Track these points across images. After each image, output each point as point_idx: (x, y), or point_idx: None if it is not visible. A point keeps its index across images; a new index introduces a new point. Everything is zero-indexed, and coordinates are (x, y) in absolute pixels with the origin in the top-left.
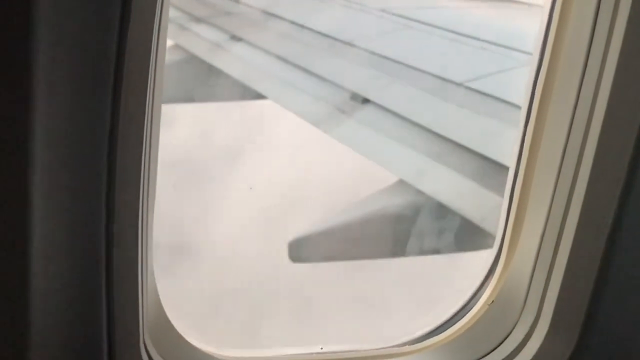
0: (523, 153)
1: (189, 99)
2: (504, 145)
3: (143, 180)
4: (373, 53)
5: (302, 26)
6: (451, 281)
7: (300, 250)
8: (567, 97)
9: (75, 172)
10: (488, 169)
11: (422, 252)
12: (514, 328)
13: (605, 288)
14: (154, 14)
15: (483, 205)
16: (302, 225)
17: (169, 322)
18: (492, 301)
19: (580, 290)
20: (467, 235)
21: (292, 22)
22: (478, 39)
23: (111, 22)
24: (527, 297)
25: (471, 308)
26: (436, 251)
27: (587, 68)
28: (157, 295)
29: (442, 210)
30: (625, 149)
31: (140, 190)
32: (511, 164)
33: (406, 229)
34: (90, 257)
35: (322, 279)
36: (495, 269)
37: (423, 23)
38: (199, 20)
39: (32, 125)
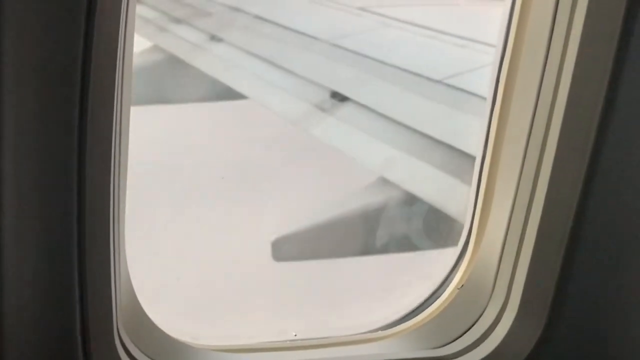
0: (489, 142)
1: (167, 100)
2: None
3: (114, 174)
4: (353, 51)
5: (282, 26)
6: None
7: (284, 249)
8: (529, 86)
9: (45, 165)
10: (467, 164)
11: (402, 247)
12: (483, 312)
13: (571, 270)
14: (120, 12)
15: (462, 200)
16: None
17: (142, 311)
18: (462, 285)
19: (547, 273)
20: (446, 231)
21: (272, 22)
22: (457, 36)
23: (77, 19)
24: (495, 281)
25: (442, 293)
26: (416, 247)
27: (549, 57)
28: (131, 285)
29: (422, 206)
30: (587, 135)
31: (112, 180)
32: (477, 152)
33: (387, 225)
34: (61, 248)
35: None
36: (464, 255)
37: (402, 21)
38: (178, 20)
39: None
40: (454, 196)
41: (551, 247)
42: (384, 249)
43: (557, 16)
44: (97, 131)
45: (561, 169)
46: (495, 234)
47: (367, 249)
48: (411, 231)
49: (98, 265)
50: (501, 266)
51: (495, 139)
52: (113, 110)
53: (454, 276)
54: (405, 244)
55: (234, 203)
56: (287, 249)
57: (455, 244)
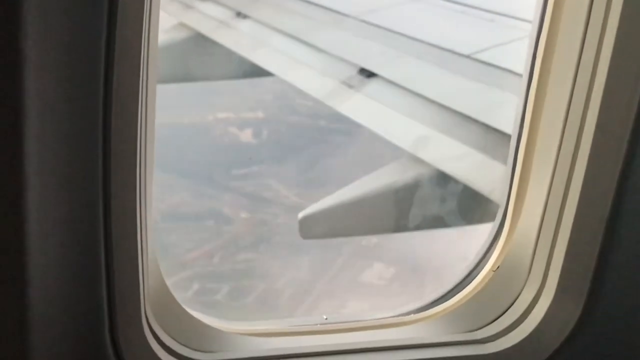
0: (525, 121)
1: (192, 77)
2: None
3: (140, 153)
4: (379, 27)
5: (307, 1)
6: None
7: (311, 226)
8: (567, 63)
9: (70, 146)
10: (497, 141)
11: (433, 225)
12: (520, 294)
13: (611, 252)
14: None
15: (492, 176)
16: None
17: (171, 295)
18: (498, 267)
19: (586, 255)
20: (477, 207)
21: None
22: (486, 10)
23: (100, 10)
24: (532, 262)
25: (477, 275)
26: (446, 224)
27: (588, 33)
28: (158, 268)
29: (451, 183)
30: (628, 109)
31: (138, 163)
32: (513, 132)
33: (416, 202)
34: (88, 231)
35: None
36: (500, 236)
37: None
38: None
39: (25, 123)
40: (483, 173)
41: (589, 229)
42: (414, 227)
43: None
44: (122, 127)
45: (600, 149)
46: (532, 215)
47: (396, 227)
48: (441, 208)
49: (125, 248)
50: (538, 248)
51: (531, 119)
52: (138, 95)
53: (489, 258)
54: (435, 221)
55: (261, 178)
56: (314, 226)
57: (486, 221)
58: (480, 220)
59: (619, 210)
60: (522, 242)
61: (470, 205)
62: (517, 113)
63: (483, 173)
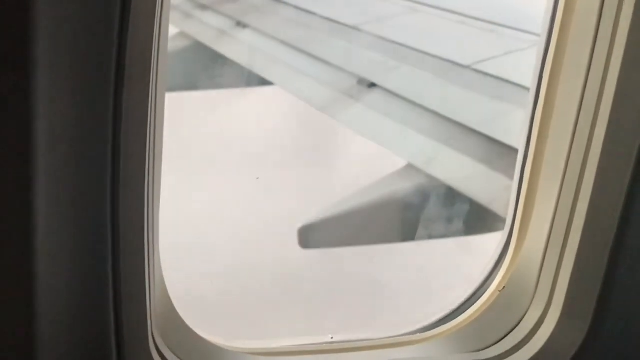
0: (532, 137)
1: (192, 86)
2: (512, 128)
3: (148, 175)
4: (379, 37)
5: (307, 11)
6: (461, 265)
7: (310, 237)
8: (576, 78)
9: (79, 168)
10: (496, 152)
11: (432, 236)
12: (525, 314)
13: (617, 273)
14: (154, 9)
15: (492, 187)
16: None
17: (177, 315)
18: (503, 287)
19: (592, 276)
20: (477, 218)
21: (297, 8)
22: (486, 21)
23: (112, 17)
24: (538, 283)
25: (482, 295)
26: (446, 235)
27: (596, 47)
28: (165, 289)
29: (451, 194)
30: (636, 127)
31: (146, 184)
32: (520, 147)
33: (416, 213)
34: (96, 253)
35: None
36: (505, 255)
37: (429, 6)
38: (204, 7)
39: (34, 126)
40: (482, 183)
41: (596, 249)
42: (412, 236)
43: (605, 3)
44: (131, 138)
45: (607, 169)
46: (538, 235)
47: (395, 237)
48: (441, 219)
49: (132, 268)
50: (544, 268)
51: (538, 136)
52: (147, 117)
53: (495, 277)
54: (433, 231)
55: (261, 189)
56: (314, 236)
57: (485, 232)
58: (480, 230)
59: (626, 231)
60: (528, 262)
61: (470, 216)
62: (523, 130)
63: (483, 184)
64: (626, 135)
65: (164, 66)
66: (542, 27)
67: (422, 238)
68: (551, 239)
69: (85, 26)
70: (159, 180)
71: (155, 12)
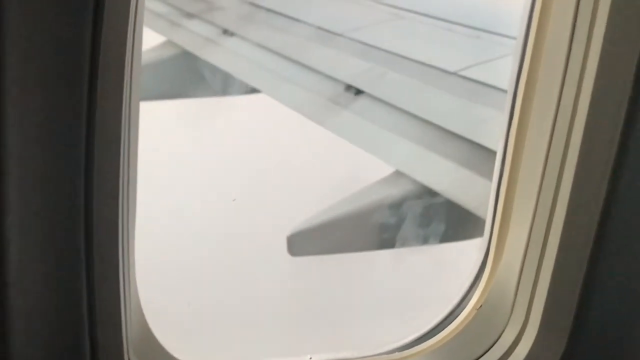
0: (507, 156)
1: (179, 94)
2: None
3: (122, 191)
4: (365, 44)
5: (294, 19)
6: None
7: (299, 244)
8: (552, 86)
9: (51, 181)
10: (483, 157)
11: (420, 241)
12: (503, 332)
13: (593, 289)
14: (128, 10)
15: (478, 192)
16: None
17: (153, 337)
18: (481, 305)
19: (568, 292)
20: (464, 224)
21: (285, 15)
22: (472, 27)
23: (85, 18)
24: (515, 300)
25: (459, 313)
26: (434, 240)
27: (572, 50)
28: (141, 311)
29: (438, 200)
30: (612, 140)
31: (120, 201)
32: (495, 171)
33: (403, 219)
34: (69, 272)
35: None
36: (483, 273)
37: (415, 12)
38: (190, 15)
39: (4, 132)
40: (470, 189)
41: (572, 265)
42: (400, 243)
43: (580, 5)
44: (105, 149)
45: (582, 188)
46: (514, 253)
47: (383, 243)
48: (427, 225)
49: (108, 291)
50: (521, 285)
51: (514, 154)
52: (121, 121)
53: (472, 296)
54: (421, 237)
55: (248, 197)
56: (303, 243)
57: (472, 237)
58: (469, 236)
59: (602, 247)
60: (506, 279)
61: (457, 221)
62: (499, 153)
63: (469, 189)
64: (601, 152)
65: (137, 75)
66: (518, 30)
67: (410, 244)
68: (527, 256)
69: (56, 35)
70: (134, 199)
71: (128, 20)
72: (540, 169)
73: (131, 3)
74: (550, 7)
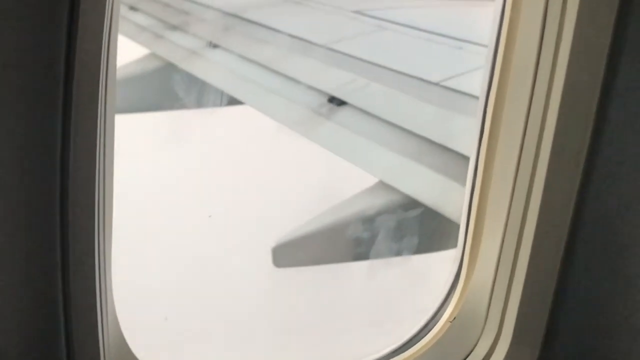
0: (477, 175)
1: (163, 107)
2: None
3: (98, 205)
4: (349, 55)
5: (277, 31)
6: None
7: (284, 255)
8: (521, 97)
9: (26, 196)
10: (465, 167)
11: (404, 251)
12: (476, 344)
13: (564, 301)
14: (103, 21)
15: (461, 202)
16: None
17: (130, 352)
18: (454, 318)
19: (540, 303)
20: (447, 233)
21: (268, 27)
22: (453, 38)
23: (59, 29)
24: (488, 312)
25: (434, 326)
26: (418, 250)
27: (540, 61)
28: (119, 328)
29: (421, 210)
30: (579, 154)
31: (96, 214)
32: (467, 187)
33: (387, 229)
34: (46, 287)
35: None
36: (456, 286)
37: (398, 24)
38: (174, 27)
39: None
40: (452, 199)
41: (543, 278)
42: (385, 253)
43: (548, 15)
44: (80, 144)
45: (551, 200)
46: (487, 266)
47: (367, 254)
48: (411, 234)
49: (84, 308)
50: (493, 298)
51: (484, 170)
52: (96, 132)
53: (446, 309)
54: (405, 248)
55: (231, 209)
56: (287, 255)
57: (453, 246)
58: (452, 245)
59: (571, 261)
60: (478, 293)
61: (441, 232)
62: (470, 168)
63: (452, 199)
64: (569, 163)
65: (112, 87)
66: (489, 40)
67: (394, 255)
68: (499, 268)
69: (31, 45)
70: (110, 212)
71: (103, 30)
72: (510, 183)
73: (106, 14)
74: (518, 17)
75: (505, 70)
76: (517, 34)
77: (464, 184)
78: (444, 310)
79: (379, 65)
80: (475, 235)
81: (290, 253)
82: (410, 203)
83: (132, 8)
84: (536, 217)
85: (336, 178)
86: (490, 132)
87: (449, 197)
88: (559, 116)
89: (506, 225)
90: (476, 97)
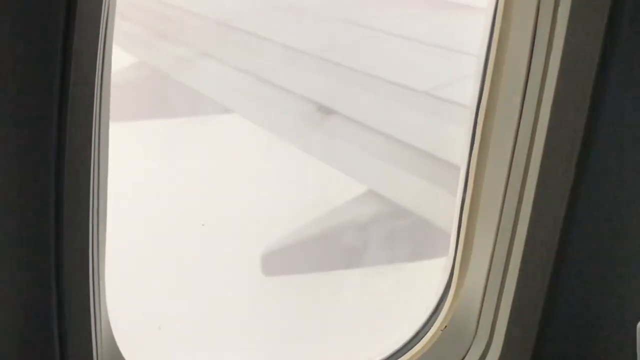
0: (469, 178)
1: (152, 115)
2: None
3: (92, 210)
4: (338, 64)
5: (266, 39)
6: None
7: (272, 263)
8: (512, 102)
9: (21, 199)
10: (454, 175)
11: (394, 260)
12: (467, 353)
13: (555, 309)
14: (99, 26)
15: (450, 210)
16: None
17: (121, 356)
18: (445, 326)
19: (531, 312)
20: (436, 241)
21: (257, 36)
22: (442, 47)
23: (54, 34)
24: (479, 320)
25: (425, 334)
26: (408, 258)
27: (531, 70)
28: (111, 334)
29: (411, 218)
30: (569, 160)
31: (90, 221)
32: (458, 195)
33: (376, 237)
34: (39, 292)
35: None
36: (447, 294)
37: (387, 33)
38: (164, 36)
39: None
40: (442, 208)
41: (534, 287)
42: (374, 262)
43: (539, 24)
44: (75, 149)
45: (542, 209)
46: (478, 274)
47: (357, 262)
48: (400, 243)
49: (77, 314)
50: (484, 306)
51: (475, 178)
52: (91, 139)
53: (437, 317)
54: (394, 256)
55: (221, 217)
56: (277, 263)
57: (443, 254)
58: (440, 253)
59: (562, 269)
60: (469, 301)
61: (429, 240)
62: (461, 177)
63: (440, 207)
64: (559, 179)
65: (107, 93)
66: (479, 48)
67: (383, 262)
68: (490, 277)
69: (27, 53)
70: (104, 216)
71: (98, 37)
72: (501, 191)
73: (101, 19)
74: (509, 25)
75: (496, 78)
76: (507, 43)
77: (452, 192)
78: (435, 319)
79: (368, 74)
80: (466, 244)
81: (280, 261)
82: (399, 211)
83: (122, 17)
84: (527, 226)
85: (326, 186)
86: (481, 141)
87: (438, 206)
88: (549, 125)
89: (497, 233)
90: (462, 105)
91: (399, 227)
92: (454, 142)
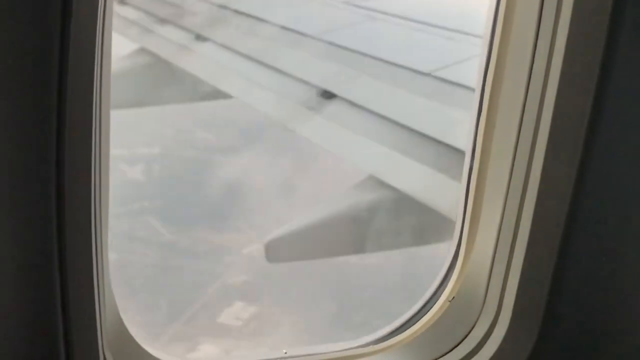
0: (476, 149)
1: (153, 102)
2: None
3: (94, 199)
4: (339, 46)
5: (266, 22)
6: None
7: (277, 250)
8: (518, 83)
9: (22, 191)
10: (457, 160)
11: (396, 245)
12: (475, 323)
13: (563, 280)
14: (96, 14)
15: (451, 195)
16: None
17: (128, 334)
18: (453, 297)
19: (539, 283)
20: (437, 226)
21: (257, 19)
22: (443, 28)
23: (52, 25)
24: (487, 292)
25: (433, 305)
26: (408, 244)
27: (537, 50)
28: (116, 307)
29: (412, 203)
30: (578, 134)
31: (92, 210)
32: (465, 163)
33: (378, 223)
34: (43, 273)
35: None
36: (455, 265)
37: (388, 14)
38: (163, 21)
39: None
40: (442, 192)
41: (542, 258)
42: (377, 247)
43: (544, 5)
44: (75, 149)
45: (552, 173)
46: (485, 245)
47: (360, 248)
48: (402, 228)
49: (81, 287)
50: (492, 277)
51: (482, 148)
52: (92, 127)
53: (445, 288)
54: (396, 242)
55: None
56: (280, 250)
57: (445, 240)
58: (441, 238)
59: (571, 237)
60: (477, 272)
61: (431, 225)
62: (468, 148)
63: (442, 192)
64: (568, 144)
65: (107, 83)
66: (484, 30)
67: (385, 248)
68: (498, 249)
69: (25, 42)
70: (106, 197)
71: (97, 25)
72: (509, 162)
73: (99, 8)
74: (514, 7)
75: (501, 61)
76: (512, 25)
77: (453, 176)
78: (443, 290)
79: (369, 56)
80: (474, 215)
81: (283, 248)
82: (401, 197)
83: (121, 1)
84: (535, 197)
85: (327, 172)
86: (487, 117)
87: (438, 190)
88: (555, 107)
89: (505, 205)
90: (466, 87)
91: (400, 212)
92: (457, 125)
